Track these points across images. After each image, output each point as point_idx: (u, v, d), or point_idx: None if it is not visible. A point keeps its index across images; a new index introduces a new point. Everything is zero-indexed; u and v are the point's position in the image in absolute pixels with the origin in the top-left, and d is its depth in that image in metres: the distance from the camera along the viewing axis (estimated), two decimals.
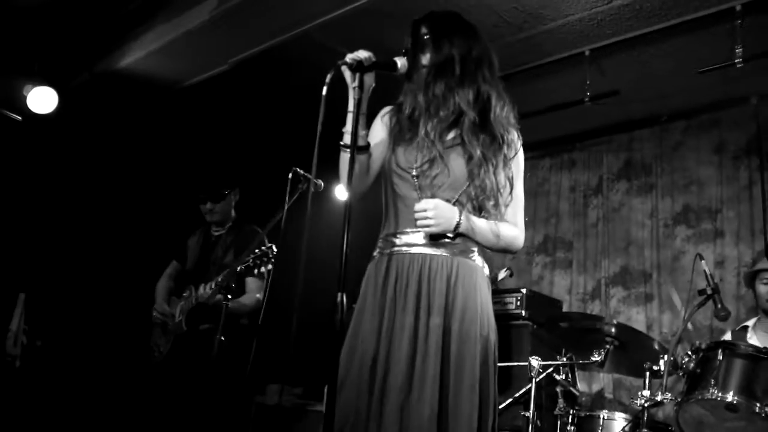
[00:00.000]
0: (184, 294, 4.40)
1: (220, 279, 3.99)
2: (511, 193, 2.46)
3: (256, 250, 3.83)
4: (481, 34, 2.54)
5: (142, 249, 5.76)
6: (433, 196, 2.37)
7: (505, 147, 2.45)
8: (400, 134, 2.49)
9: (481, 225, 2.40)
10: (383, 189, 2.52)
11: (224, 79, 5.83)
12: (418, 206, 2.32)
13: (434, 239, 2.36)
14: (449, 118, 2.42)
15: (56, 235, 5.76)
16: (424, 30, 2.50)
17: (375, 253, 2.47)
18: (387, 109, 2.59)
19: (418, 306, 2.30)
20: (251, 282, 4.34)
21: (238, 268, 3.89)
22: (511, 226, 2.47)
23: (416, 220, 2.31)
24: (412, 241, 2.38)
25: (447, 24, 2.52)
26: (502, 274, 4.38)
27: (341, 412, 2.20)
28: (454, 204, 2.38)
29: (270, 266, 3.79)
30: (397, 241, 2.40)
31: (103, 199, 5.94)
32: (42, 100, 5.64)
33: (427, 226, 2.31)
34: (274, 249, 3.81)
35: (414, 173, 2.40)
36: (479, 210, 2.44)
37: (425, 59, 2.47)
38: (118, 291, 5.64)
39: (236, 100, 6.26)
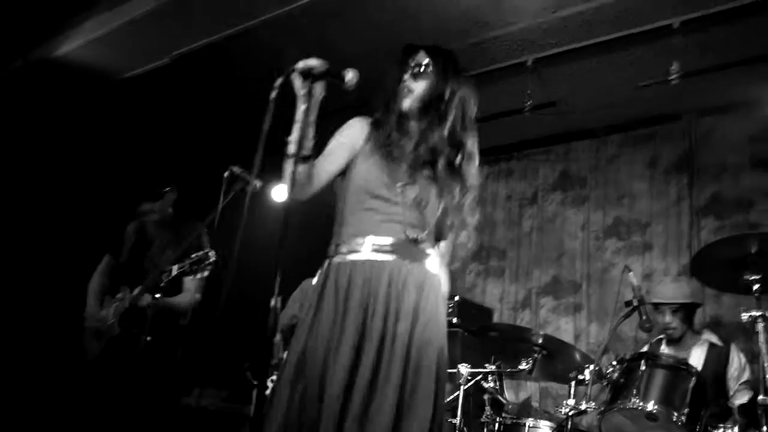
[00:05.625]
0: (118, 295, 4.30)
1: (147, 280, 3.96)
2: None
3: (193, 255, 3.74)
4: (469, 78, 2.59)
5: (74, 244, 5.60)
6: (408, 217, 2.41)
7: (468, 192, 2.51)
8: (380, 150, 2.48)
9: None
10: (348, 195, 2.49)
11: (165, 73, 5.74)
12: None
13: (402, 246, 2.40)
14: (425, 154, 2.45)
15: None
16: (424, 60, 2.52)
17: (335, 258, 2.42)
18: (362, 120, 2.57)
19: (387, 312, 2.29)
20: (188, 281, 4.23)
21: (174, 272, 3.83)
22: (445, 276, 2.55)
23: None
24: (379, 248, 2.37)
25: (447, 62, 2.53)
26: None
27: (286, 415, 2.17)
28: (417, 241, 2.43)
29: (207, 272, 3.74)
30: (362, 248, 2.38)
31: (35, 191, 5.76)
32: None
33: None
34: (213, 255, 3.74)
35: (398, 191, 2.41)
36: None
37: (416, 87, 2.49)
38: (53, 288, 5.47)
39: (176, 95, 6.16)
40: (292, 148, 2.30)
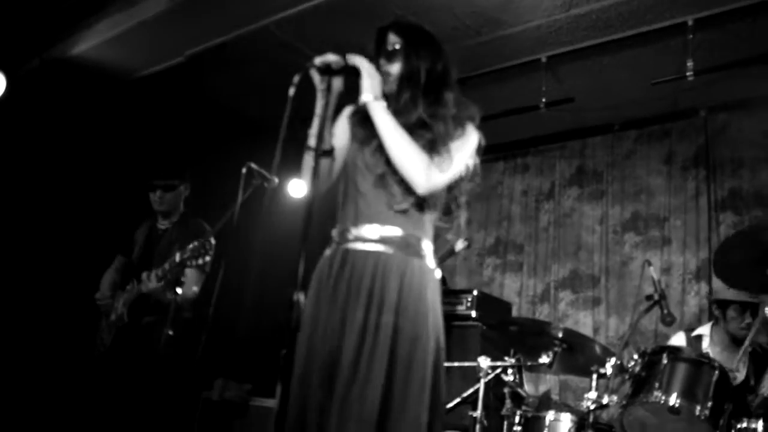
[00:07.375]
0: (128, 287, 4.35)
1: (162, 271, 4.00)
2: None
3: (195, 242, 3.82)
4: (443, 48, 2.57)
5: (89, 241, 5.63)
6: (393, 195, 2.37)
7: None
8: (365, 134, 2.47)
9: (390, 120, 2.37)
10: (343, 183, 2.50)
11: (179, 71, 5.76)
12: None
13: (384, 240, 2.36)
14: (411, 125, 2.41)
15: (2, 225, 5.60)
16: (393, 39, 2.51)
17: (331, 246, 2.43)
18: (352, 108, 2.58)
19: (370, 302, 2.27)
20: (189, 273, 4.25)
21: (177, 258, 3.89)
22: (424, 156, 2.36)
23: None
24: (368, 236, 2.36)
25: (415, 36, 2.53)
26: (459, 245, 4.26)
27: (290, 407, 2.17)
28: (418, 207, 2.39)
29: (207, 258, 3.82)
30: (351, 236, 2.38)
31: (50, 189, 5.79)
32: None
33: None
34: (212, 241, 3.85)
35: (379, 172, 2.39)
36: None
37: (393, 68, 2.48)
38: (66, 284, 5.50)
39: (191, 93, 6.18)
40: (312, 142, 2.32)
